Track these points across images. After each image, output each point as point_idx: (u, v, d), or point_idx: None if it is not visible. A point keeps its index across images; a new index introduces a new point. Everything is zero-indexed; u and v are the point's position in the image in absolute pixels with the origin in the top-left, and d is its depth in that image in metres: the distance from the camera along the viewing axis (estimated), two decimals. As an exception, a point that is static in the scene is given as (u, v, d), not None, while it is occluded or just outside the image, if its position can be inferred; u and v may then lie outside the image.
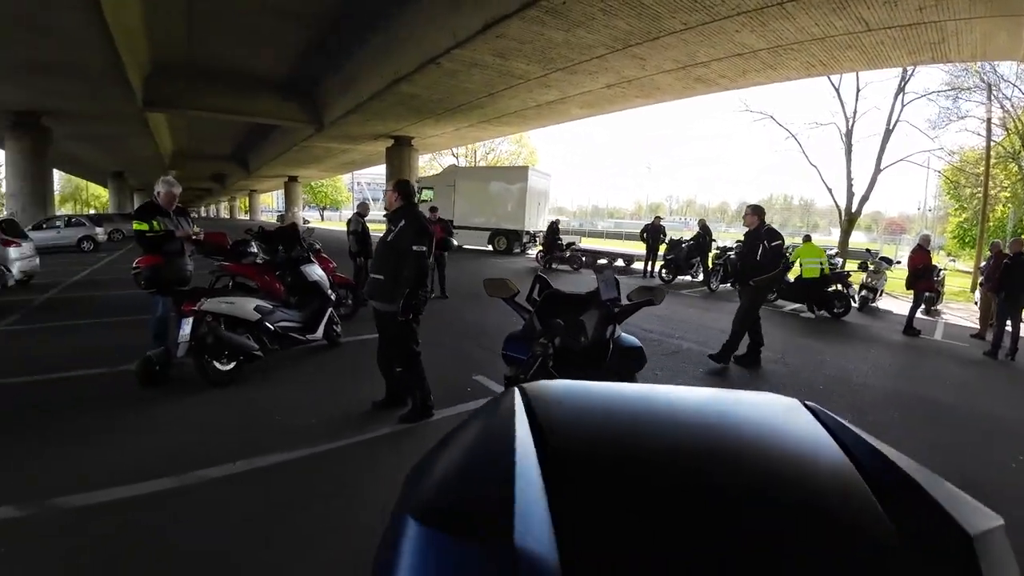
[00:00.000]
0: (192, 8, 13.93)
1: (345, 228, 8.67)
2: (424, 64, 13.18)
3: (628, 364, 2.42)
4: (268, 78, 19.61)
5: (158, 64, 17.77)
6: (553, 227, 15.63)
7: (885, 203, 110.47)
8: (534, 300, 2.80)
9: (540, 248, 16.21)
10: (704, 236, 13.80)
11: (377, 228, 6.40)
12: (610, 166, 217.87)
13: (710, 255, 13.71)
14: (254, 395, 4.32)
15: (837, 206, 20.45)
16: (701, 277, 13.60)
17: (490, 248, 20.05)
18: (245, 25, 14.83)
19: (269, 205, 75.61)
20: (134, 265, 4.72)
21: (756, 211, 5.83)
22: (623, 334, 2.53)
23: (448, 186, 21.00)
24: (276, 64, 18.32)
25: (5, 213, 20.12)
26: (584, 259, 15.85)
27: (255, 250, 7.08)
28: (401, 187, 3.82)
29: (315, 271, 5.56)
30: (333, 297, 5.63)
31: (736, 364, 5.77)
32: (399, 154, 23.80)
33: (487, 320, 7.28)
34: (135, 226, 4.65)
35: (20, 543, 2.32)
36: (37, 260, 10.97)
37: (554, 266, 15.28)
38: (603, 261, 15.42)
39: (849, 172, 19.93)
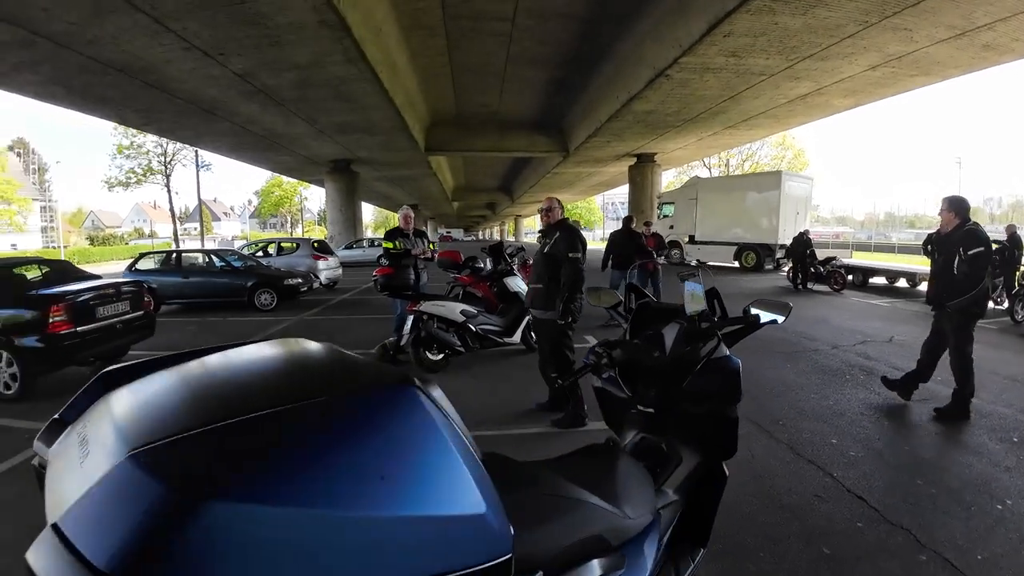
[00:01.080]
0: (455, 72, 16.97)
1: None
2: (653, 79, 13.39)
3: (716, 391, 1.99)
4: (520, 117, 22.31)
5: (435, 117, 21.99)
6: (801, 239, 13.77)
7: None
8: (630, 309, 2.74)
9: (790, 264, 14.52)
10: (1012, 248, 10.55)
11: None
12: (905, 164, 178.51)
13: (1017, 273, 10.40)
14: (450, 382, 5.24)
15: None
16: (1005, 304, 10.12)
17: (736, 265, 18.64)
18: (498, 77, 17.27)
19: (532, 227, 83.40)
20: (374, 274, 6.37)
21: (954, 206, 4.35)
22: (731, 357, 2.15)
23: (690, 200, 20.33)
24: (526, 104, 20.70)
25: (327, 235, 26.66)
26: (851, 278, 13.70)
27: (481, 265, 8.28)
28: (554, 204, 4.28)
29: (516, 283, 6.47)
30: None
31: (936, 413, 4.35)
32: (641, 172, 24.25)
33: None
34: (384, 244, 6.40)
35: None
36: (340, 271, 15.57)
37: (810, 286, 13.55)
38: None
39: None
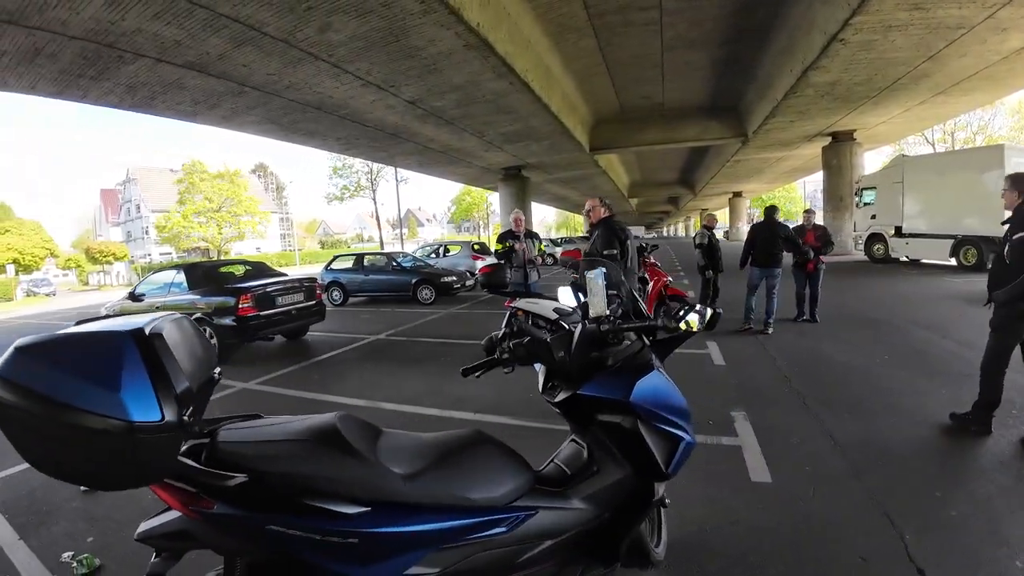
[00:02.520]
0: (611, 69, 17.25)
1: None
2: (827, 46, 12.12)
3: (612, 402, 1.88)
4: (688, 105, 21.60)
5: (598, 116, 22.44)
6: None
7: None
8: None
9: None
10: None
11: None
12: None
13: None
14: (525, 378, 5.66)
15: None
16: None
17: (953, 262, 15.37)
18: (656, 67, 17.13)
19: (723, 222, 78.97)
20: (477, 272, 7.17)
21: (1017, 183, 3.59)
22: (645, 366, 1.98)
23: (895, 184, 17.27)
24: (693, 90, 20.02)
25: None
26: None
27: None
28: (596, 204, 4.55)
29: None
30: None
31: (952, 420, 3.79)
32: (837, 152, 21.71)
33: (835, 357, 5.84)
34: (495, 246, 7.14)
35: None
36: None
37: None
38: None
39: None
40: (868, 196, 18.78)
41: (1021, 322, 3.58)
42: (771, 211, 7.69)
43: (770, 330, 7.32)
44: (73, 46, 9.93)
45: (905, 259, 17.71)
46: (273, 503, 1.35)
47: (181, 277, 8.56)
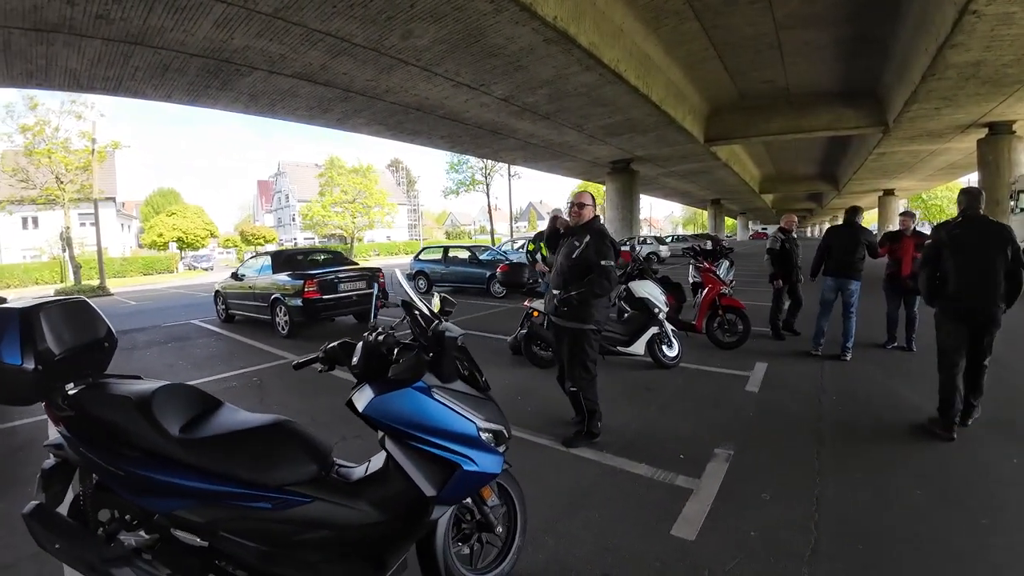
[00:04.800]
0: (721, 53, 16.08)
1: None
2: (959, 19, 10.25)
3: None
4: (817, 90, 19.47)
5: (714, 104, 21.07)
6: None
7: None
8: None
9: None
10: None
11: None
12: None
13: None
14: (531, 382, 5.55)
15: None
16: None
17: None
18: (772, 48, 15.65)
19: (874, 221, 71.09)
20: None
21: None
22: (409, 392, 2.04)
23: None
24: (821, 73, 18.01)
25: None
26: None
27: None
28: (587, 200, 3.97)
29: (643, 288, 5.98)
30: (661, 316, 5.88)
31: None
32: (993, 147, 18.32)
33: (905, 400, 4.75)
34: (528, 246, 6.94)
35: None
36: None
37: None
38: None
39: None
40: (1028, 198, 15.63)
41: (948, 321, 3.98)
42: (853, 212, 6.51)
43: (847, 356, 6.21)
44: (195, 62, 11.43)
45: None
46: (90, 437, 1.85)
47: (268, 262, 9.91)
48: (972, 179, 45.48)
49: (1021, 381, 5.24)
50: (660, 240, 27.92)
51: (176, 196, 66.31)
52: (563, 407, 4.34)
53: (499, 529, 2.31)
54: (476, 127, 18.61)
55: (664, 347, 5.99)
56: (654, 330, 5.88)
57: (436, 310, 2.26)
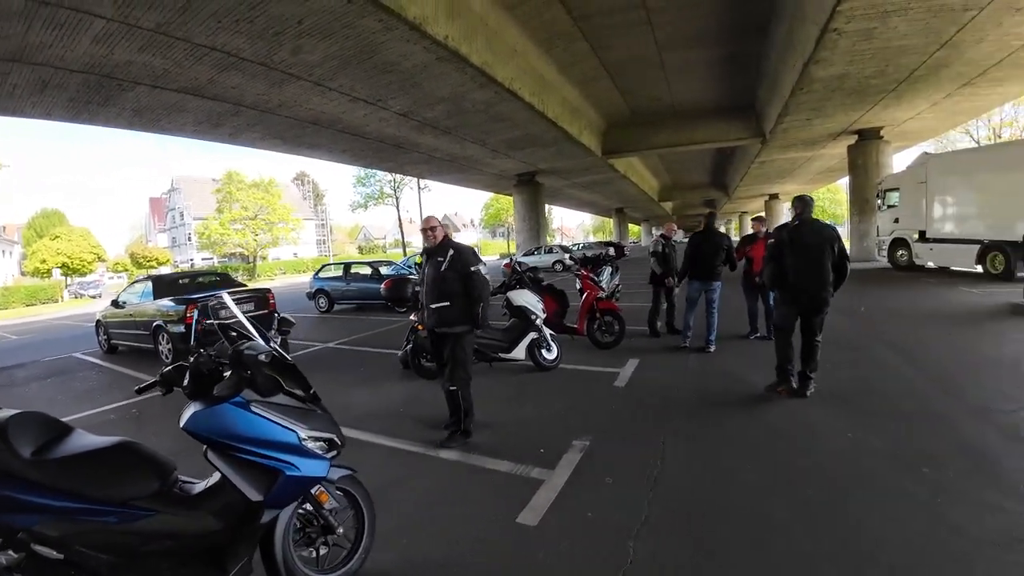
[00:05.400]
0: (611, 72, 17.09)
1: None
2: (820, 37, 11.44)
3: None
4: (701, 105, 21.09)
5: (610, 120, 22.29)
6: None
7: None
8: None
9: None
10: None
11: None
12: None
13: None
14: (418, 393, 5.73)
15: None
16: None
17: (979, 269, 14.01)
18: (657, 67, 16.79)
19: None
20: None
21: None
22: (227, 407, 2.27)
23: (919, 184, 15.91)
24: (702, 89, 19.52)
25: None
26: None
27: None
28: (435, 223, 4.36)
29: (521, 297, 6.33)
30: (538, 322, 6.24)
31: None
32: (862, 152, 20.62)
33: (757, 385, 5.23)
34: (416, 259, 7.11)
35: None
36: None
37: None
38: None
39: None
40: (892, 197, 17.61)
41: (784, 305, 4.98)
42: (710, 219, 7.30)
43: (711, 348, 6.87)
44: (76, 78, 10.82)
45: (931, 266, 16.54)
46: None
47: (149, 287, 9.44)
48: (846, 182, 50.60)
49: (869, 365, 5.98)
50: (565, 248, 28.72)
51: (61, 217, 61.09)
52: (441, 415, 4.54)
53: (340, 531, 2.48)
54: (378, 141, 18.57)
55: (543, 351, 6.38)
56: (533, 336, 6.25)
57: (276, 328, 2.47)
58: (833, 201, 62.91)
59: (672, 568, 2.53)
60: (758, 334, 7.53)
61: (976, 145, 29.93)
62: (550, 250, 26.48)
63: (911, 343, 6.93)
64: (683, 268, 7.31)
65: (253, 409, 2.20)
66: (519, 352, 6.18)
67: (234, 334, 2.39)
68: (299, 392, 2.40)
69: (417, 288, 4.67)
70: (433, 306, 4.23)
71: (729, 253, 7.09)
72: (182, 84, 11.76)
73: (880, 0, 10.00)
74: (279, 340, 2.59)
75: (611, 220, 60.31)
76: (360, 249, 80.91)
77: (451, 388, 4.25)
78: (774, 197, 45.30)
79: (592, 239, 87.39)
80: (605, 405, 4.98)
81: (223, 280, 10.56)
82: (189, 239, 59.10)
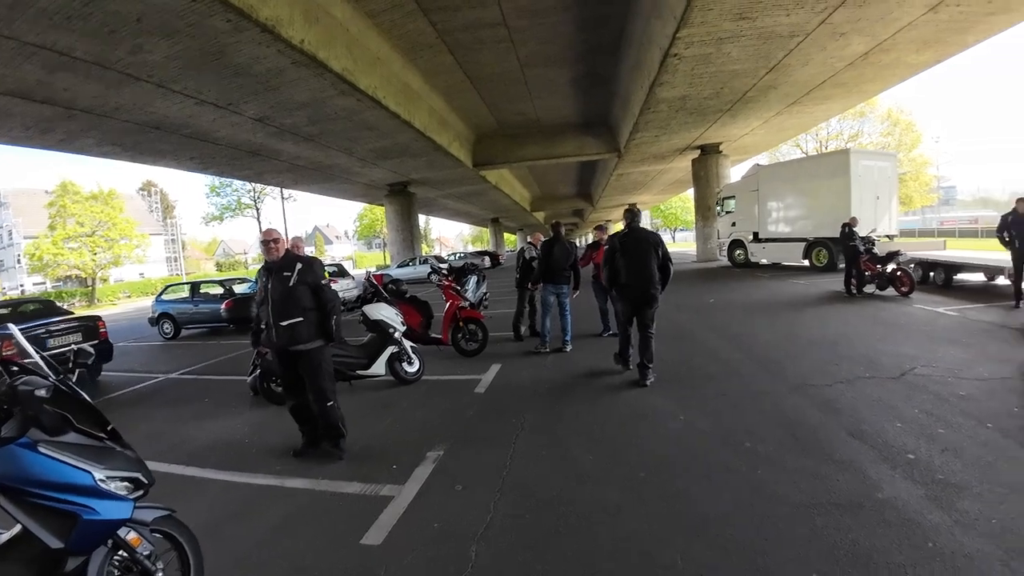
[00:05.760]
0: (476, 85, 17.28)
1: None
2: (663, 61, 12.48)
3: None
4: (563, 120, 22.06)
5: (479, 132, 22.55)
6: (847, 231, 11.22)
7: None
8: None
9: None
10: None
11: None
12: None
13: None
14: (266, 420, 5.40)
15: None
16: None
17: (807, 263, 16.47)
18: (520, 83, 17.28)
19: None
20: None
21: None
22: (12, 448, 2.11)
23: (751, 191, 18.33)
24: (564, 106, 20.42)
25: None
26: (931, 275, 11.46)
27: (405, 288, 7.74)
28: (279, 236, 4.19)
29: (377, 310, 6.18)
30: (397, 336, 6.14)
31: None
32: (704, 164, 22.99)
33: (603, 380, 5.81)
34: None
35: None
36: (355, 291, 15.59)
37: (871, 290, 10.98)
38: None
39: None
40: (729, 204, 19.82)
41: (620, 301, 5.68)
42: (556, 228, 7.64)
43: (568, 348, 7.31)
44: None
45: (764, 263, 18.68)
46: None
47: None
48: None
49: (704, 353, 6.55)
50: (440, 259, 28.70)
51: None
52: (291, 442, 4.37)
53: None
54: (231, 147, 17.33)
55: (404, 364, 6.26)
56: (392, 349, 6.11)
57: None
58: (684, 209, 68.94)
59: (511, 567, 2.59)
60: (610, 331, 8.09)
61: (803, 156, 34.24)
62: (425, 261, 26.18)
63: (742, 331, 7.91)
64: (537, 273, 7.61)
65: (41, 450, 1.99)
66: (379, 368, 6.03)
67: (15, 368, 2.12)
68: (94, 430, 2.19)
69: (258, 308, 4.35)
70: (284, 323, 4.01)
71: (574, 262, 7.49)
72: (8, 86, 10.41)
73: (715, 28, 11.05)
74: (76, 374, 2.40)
75: (487, 229, 61.29)
76: (219, 266, 73.64)
77: (329, 404, 4.13)
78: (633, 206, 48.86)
79: (471, 248, 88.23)
80: (463, 413, 5.02)
81: (45, 309, 9.33)
82: (19, 261, 50.69)
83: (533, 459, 3.81)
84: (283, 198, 39.14)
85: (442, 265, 10.10)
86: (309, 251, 78.72)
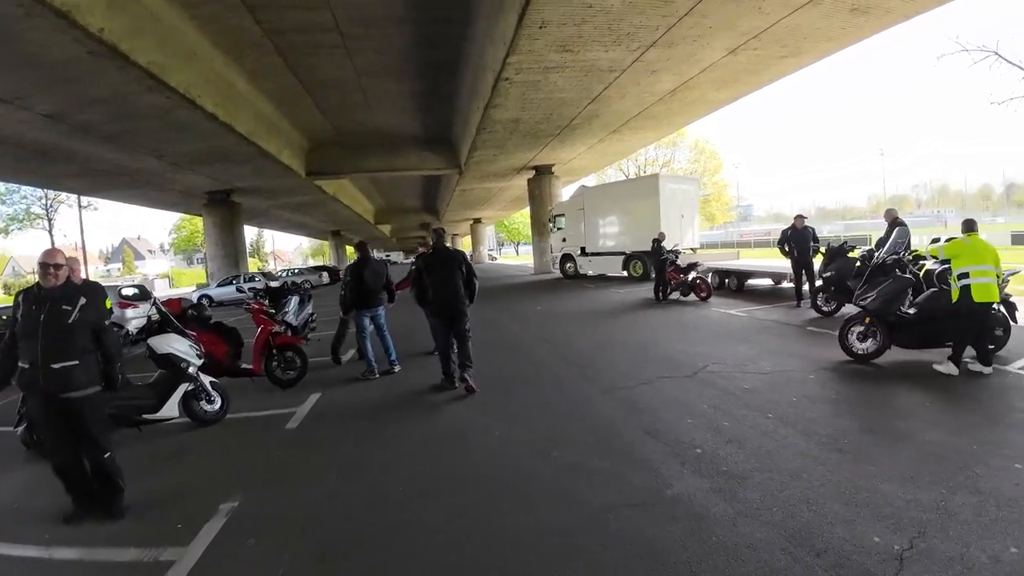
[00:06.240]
0: (310, 90, 16.38)
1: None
2: (495, 84, 12.90)
3: None
4: (405, 133, 21.85)
5: (314, 139, 21.38)
6: (656, 246, 12.38)
7: None
8: None
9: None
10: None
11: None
12: (836, 157, 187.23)
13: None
14: (46, 475, 4.28)
15: None
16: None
17: (625, 274, 18.07)
18: (358, 92, 16.71)
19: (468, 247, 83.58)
20: None
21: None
22: None
23: (578, 210, 19.89)
24: (405, 119, 20.23)
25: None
26: (726, 281, 13.10)
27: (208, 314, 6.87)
28: (59, 259, 3.46)
29: (166, 342, 5.23)
30: (192, 371, 5.28)
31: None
32: (539, 184, 24.25)
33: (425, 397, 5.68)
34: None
35: None
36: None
37: (676, 296, 11.93)
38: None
39: None
40: (560, 222, 21.20)
41: (432, 317, 5.91)
42: (362, 248, 7.20)
43: (396, 368, 6.94)
44: None
45: (591, 274, 20.15)
46: None
47: None
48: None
49: (527, 362, 6.64)
50: (269, 276, 26.26)
51: None
52: (68, 502, 3.56)
53: None
54: (18, 147, 14.76)
55: (203, 403, 5.39)
56: (186, 387, 5.25)
57: None
58: (526, 224, 71.33)
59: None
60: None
61: (623, 179, 37.50)
62: (251, 278, 23.69)
63: (565, 339, 8.37)
64: (348, 300, 7.04)
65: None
66: (170, 409, 5.09)
67: None
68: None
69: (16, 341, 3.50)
70: (56, 366, 3.27)
71: (388, 285, 7.08)
72: None
73: (542, 57, 11.64)
74: None
75: (328, 243, 58.39)
76: (5, 287, 60.49)
77: (105, 457, 3.49)
78: (478, 221, 49.72)
79: (310, 263, 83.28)
80: (270, 453, 4.50)
81: None
82: None
83: (341, 496, 3.53)
84: (80, 206, 32.99)
85: (254, 285, 9.16)
86: (115, 268, 68.34)
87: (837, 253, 9.02)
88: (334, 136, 21.31)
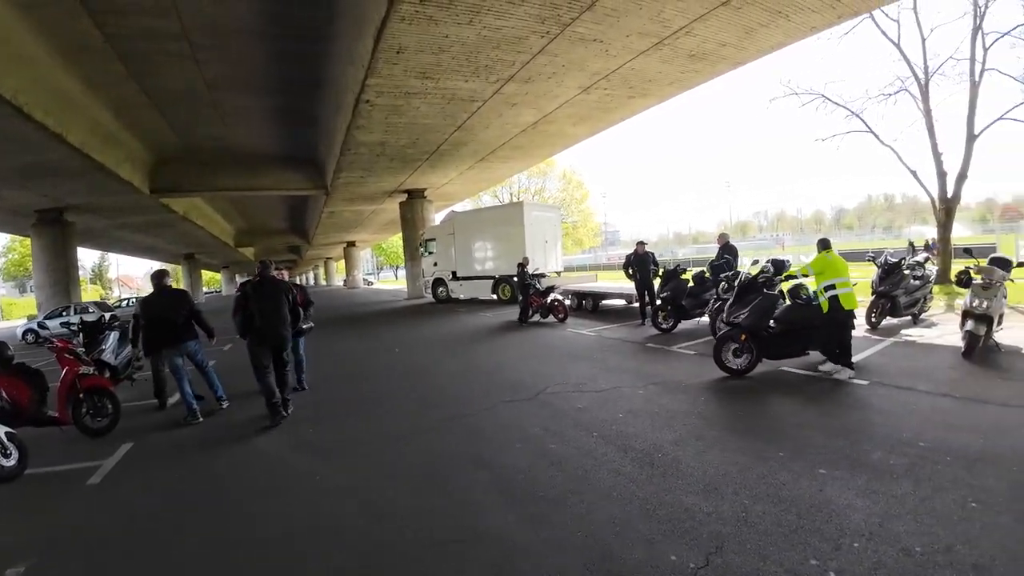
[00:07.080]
0: (156, 101, 14.93)
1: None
2: (356, 105, 12.57)
3: None
4: (264, 151, 20.48)
5: (160, 154, 19.37)
6: (519, 271, 12.82)
7: (994, 186, 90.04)
8: None
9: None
10: (725, 260, 9.70)
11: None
12: (692, 189, 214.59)
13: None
14: None
15: (928, 193, 16.14)
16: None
17: (495, 298, 18.40)
18: (209, 105, 15.46)
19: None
20: None
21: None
22: None
23: (449, 235, 19.97)
24: (263, 136, 18.99)
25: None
26: (583, 303, 13.89)
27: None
28: None
29: None
30: None
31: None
32: (411, 208, 23.99)
33: (266, 450, 4.91)
34: None
35: None
36: None
37: (537, 318, 12.39)
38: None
39: (935, 145, 15.68)
40: (431, 246, 21.03)
41: (255, 345, 5.61)
42: (159, 277, 6.32)
43: (224, 404, 6.37)
44: None
45: (463, 298, 20.09)
46: None
47: None
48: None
49: (378, 394, 6.43)
50: (104, 306, 22.99)
51: None
52: None
53: None
54: None
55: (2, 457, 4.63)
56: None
57: None
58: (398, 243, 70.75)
59: None
60: (294, 386, 7.16)
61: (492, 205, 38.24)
62: (85, 309, 20.69)
63: (421, 367, 8.19)
64: (144, 341, 6.21)
65: None
66: None
67: None
68: None
69: None
70: None
71: (198, 316, 6.29)
72: None
73: (402, 82, 11.55)
74: None
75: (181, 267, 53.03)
76: None
77: None
78: (352, 244, 47.86)
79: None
80: (64, 515, 3.88)
81: None
82: None
83: (136, 558, 3.11)
84: None
85: (67, 319, 8.05)
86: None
87: (672, 275, 9.91)
88: (184, 152, 19.48)
